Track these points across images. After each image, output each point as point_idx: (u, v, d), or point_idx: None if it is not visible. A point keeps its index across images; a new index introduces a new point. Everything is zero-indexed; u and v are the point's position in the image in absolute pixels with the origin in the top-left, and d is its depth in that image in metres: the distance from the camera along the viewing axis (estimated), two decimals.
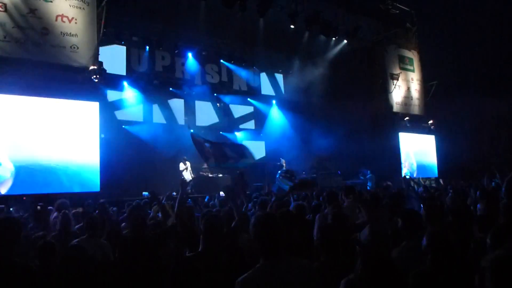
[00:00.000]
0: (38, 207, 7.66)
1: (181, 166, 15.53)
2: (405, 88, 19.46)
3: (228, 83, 19.66)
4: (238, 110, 20.66)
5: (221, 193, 7.99)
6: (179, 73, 17.98)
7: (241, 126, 20.53)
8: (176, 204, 4.74)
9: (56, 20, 10.46)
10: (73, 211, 7.05)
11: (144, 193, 12.61)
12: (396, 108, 18.83)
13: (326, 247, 3.60)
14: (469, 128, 21.47)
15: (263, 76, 21.14)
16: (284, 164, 17.50)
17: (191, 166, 15.74)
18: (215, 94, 19.50)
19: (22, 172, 10.35)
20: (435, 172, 20.05)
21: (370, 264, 2.62)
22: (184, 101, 18.62)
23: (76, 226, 6.46)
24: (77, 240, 4.87)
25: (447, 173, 18.40)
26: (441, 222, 4.59)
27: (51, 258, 3.86)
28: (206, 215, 4.15)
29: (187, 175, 15.22)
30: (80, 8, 10.80)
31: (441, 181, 17.49)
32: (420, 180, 18.39)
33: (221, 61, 19.21)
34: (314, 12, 15.65)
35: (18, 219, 3.76)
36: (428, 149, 20.28)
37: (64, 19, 10.56)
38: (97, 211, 7.43)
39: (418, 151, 19.64)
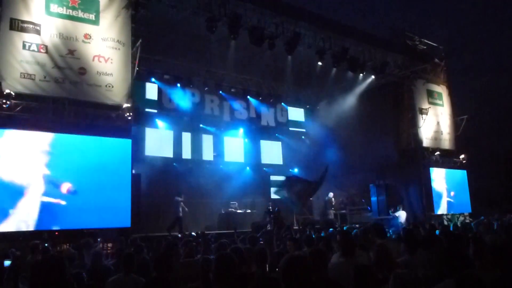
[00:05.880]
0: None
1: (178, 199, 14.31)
2: (435, 122, 19.21)
3: (257, 119, 19.84)
4: (267, 145, 20.72)
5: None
6: (209, 110, 18.30)
7: (269, 162, 20.50)
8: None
9: (93, 60, 10.85)
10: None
11: (192, 233, 12.39)
12: (426, 142, 18.56)
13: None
14: (502, 162, 20.91)
15: (291, 112, 21.26)
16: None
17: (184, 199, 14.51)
18: (243, 130, 19.67)
19: (54, 207, 10.48)
20: (468, 207, 19.44)
21: None
22: (213, 137, 18.83)
23: (110, 262, 6.51)
24: (114, 277, 4.88)
25: (480, 208, 17.85)
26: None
27: None
28: (218, 253, 3.93)
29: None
30: (116, 48, 11.19)
31: (468, 218, 17.03)
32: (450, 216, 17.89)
33: (249, 97, 19.46)
34: (341, 49, 15.78)
35: (62, 257, 3.81)
36: (461, 184, 19.74)
37: (101, 59, 10.94)
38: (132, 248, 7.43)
39: (451, 186, 19.16)
